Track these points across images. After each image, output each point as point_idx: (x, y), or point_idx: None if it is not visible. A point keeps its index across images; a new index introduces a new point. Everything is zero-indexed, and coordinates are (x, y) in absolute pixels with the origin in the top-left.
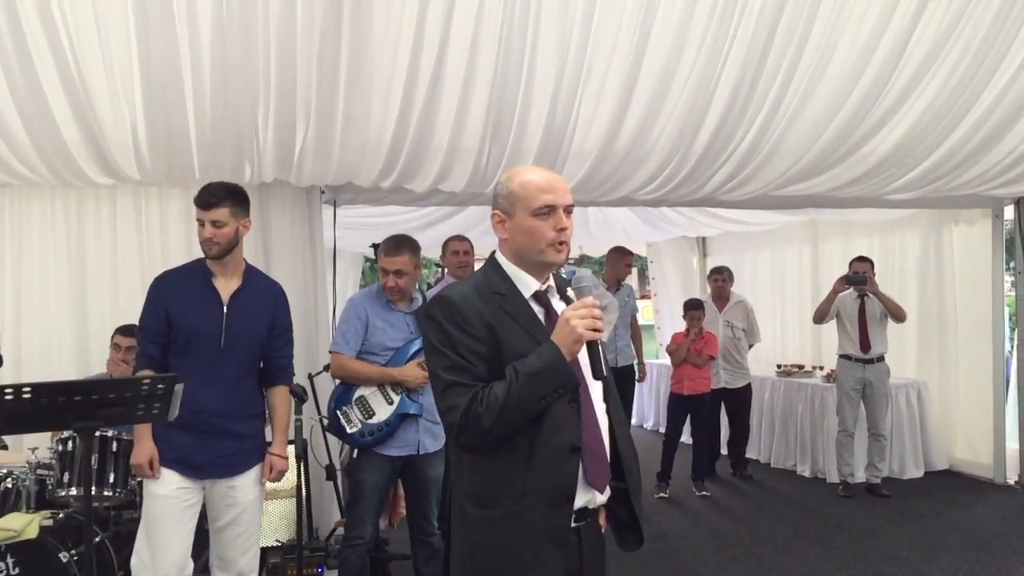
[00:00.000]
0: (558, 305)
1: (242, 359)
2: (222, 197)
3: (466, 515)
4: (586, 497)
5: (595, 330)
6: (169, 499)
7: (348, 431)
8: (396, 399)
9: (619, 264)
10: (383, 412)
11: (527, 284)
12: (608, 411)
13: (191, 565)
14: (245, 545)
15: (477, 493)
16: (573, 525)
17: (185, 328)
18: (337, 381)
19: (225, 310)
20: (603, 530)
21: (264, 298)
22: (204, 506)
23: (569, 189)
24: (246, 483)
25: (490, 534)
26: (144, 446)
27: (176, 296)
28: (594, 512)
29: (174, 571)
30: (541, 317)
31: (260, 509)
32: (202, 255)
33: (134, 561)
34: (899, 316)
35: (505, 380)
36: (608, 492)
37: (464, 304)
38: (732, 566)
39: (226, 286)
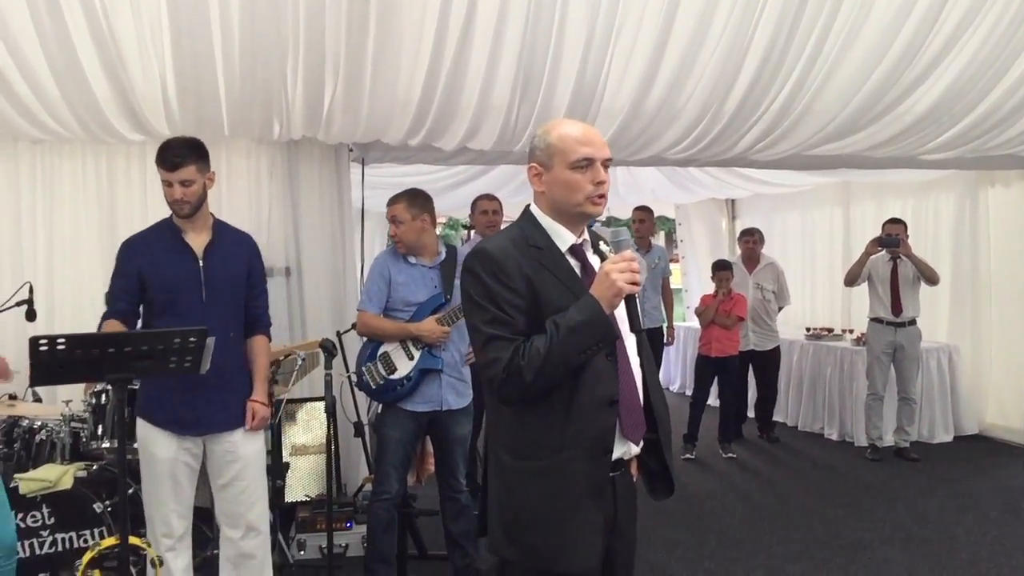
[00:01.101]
0: (592, 260)
1: (225, 311)
2: (187, 155)
3: (504, 466)
4: (622, 449)
5: (633, 284)
6: (170, 461)
7: (372, 387)
8: (416, 354)
9: (635, 222)
10: (404, 367)
11: (563, 238)
12: (641, 364)
13: (189, 531)
14: (251, 499)
15: (516, 445)
16: (610, 475)
17: (164, 286)
18: (364, 339)
19: (201, 264)
20: (635, 479)
21: (237, 248)
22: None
23: (606, 143)
24: (246, 437)
25: (529, 485)
26: None
27: (148, 257)
28: (627, 463)
29: (177, 529)
30: (577, 271)
31: (263, 462)
32: (168, 214)
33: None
34: (932, 279)
35: (546, 334)
36: (641, 443)
37: (503, 257)
38: (758, 527)
39: (197, 240)
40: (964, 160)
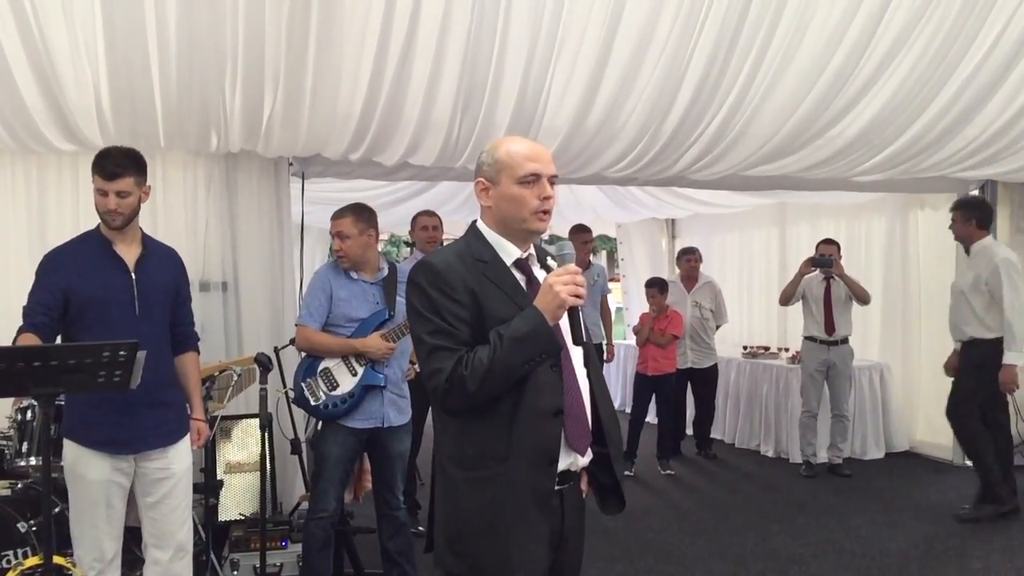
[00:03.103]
0: (539, 273)
1: (157, 325)
2: (127, 166)
3: (449, 477)
4: (568, 460)
5: (577, 296)
6: (103, 483)
7: (312, 403)
8: (360, 370)
9: (576, 242)
10: (347, 383)
11: (509, 252)
12: (589, 376)
13: (119, 552)
14: (182, 517)
15: (461, 456)
16: (556, 488)
17: (95, 300)
18: (303, 354)
19: (134, 276)
20: (584, 495)
21: (167, 263)
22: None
23: (552, 159)
24: (179, 453)
25: (475, 496)
26: None
27: (76, 270)
28: (576, 476)
29: (109, 552)
30: (523, 284)
31: (191, 480)
32: (91, 227)
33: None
34: (864, 299)
35: (489, 345)
36: (590, 455)
37: (447, 270)
38: (696, 543)
39: (128, 252)
40: (894, 183)
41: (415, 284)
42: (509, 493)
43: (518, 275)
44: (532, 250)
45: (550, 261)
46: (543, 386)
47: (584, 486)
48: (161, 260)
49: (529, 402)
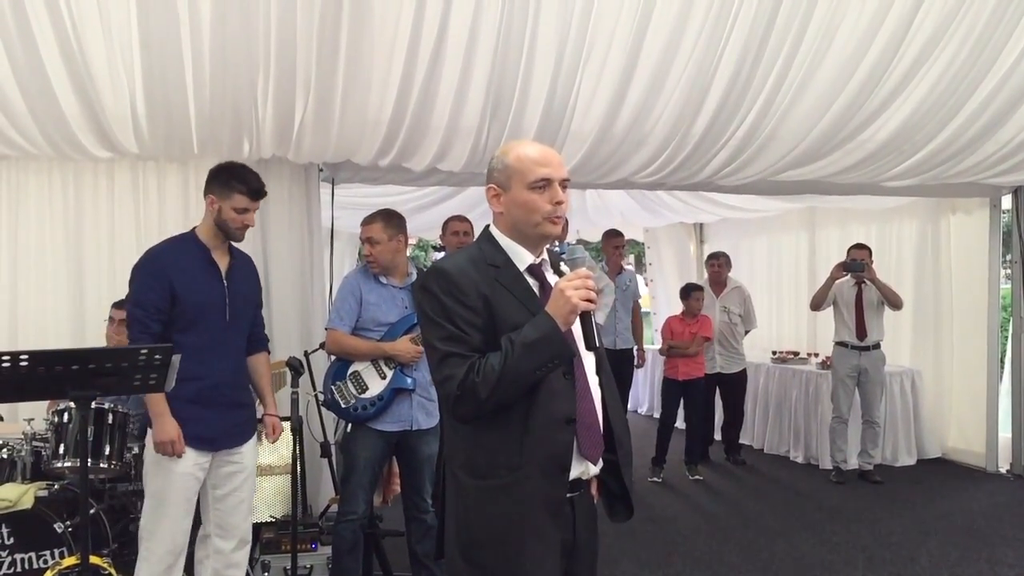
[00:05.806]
0: (552, 279)
1: (241, 330)
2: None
3: (461, 486)
4: (580, 468)
5: (589, 300)
6: (188, 476)
7: (342, 406)
8: (389, 374)
9: (608, 247)
10: (376, 386)
11: (522, 257)
12: (600, 383)
13: (186, 547)
14: (247, 510)
15: (473, 464)
16: (568, 496)
17: (194, 305)
18: (333, 357)
19: (226, 284)
20: (595, 501)
21: (249, 270)
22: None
23: (563, 163)
24: (249, 449)
25: (487, 505)
26: (167, 423)
27: (180, 271)
28: (587, 483)
29: (181, 545)
30: (536, 290)
31: (255, 476)
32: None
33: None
34: (896, 304)
35: (501, 351)
36: (600, 463)
37: (459, 275)
38: (723, 549)
39: (222, 261)
40: (926, 187)
41: (427, 290)
42: (522, 502)
43: (531, 281)
44: (545, 255)
45: (563, 267)
46: (555, 394)
47: (594, 492)
48: (245, 268)
49: (541, 410)
